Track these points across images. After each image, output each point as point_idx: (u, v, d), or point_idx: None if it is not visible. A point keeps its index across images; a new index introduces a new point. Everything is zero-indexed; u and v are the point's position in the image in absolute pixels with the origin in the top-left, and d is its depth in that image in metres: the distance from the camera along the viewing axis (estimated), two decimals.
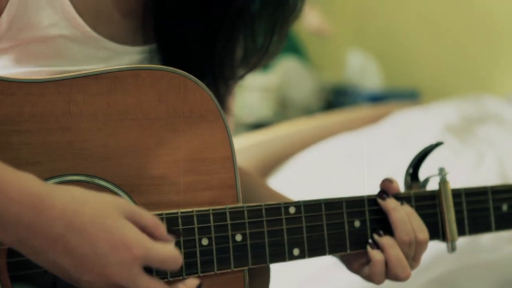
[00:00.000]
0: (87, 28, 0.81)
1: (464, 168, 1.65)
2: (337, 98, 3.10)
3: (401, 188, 0.92)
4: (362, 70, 3.08)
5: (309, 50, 3.27)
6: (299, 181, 1.82)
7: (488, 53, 3.05)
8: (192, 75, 0.78)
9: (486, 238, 1.45)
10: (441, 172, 0.93)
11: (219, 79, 0.89)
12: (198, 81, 0.78)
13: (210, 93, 0.79)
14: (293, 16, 0.90)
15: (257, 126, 2.61)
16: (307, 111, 2.92)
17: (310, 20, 3.04)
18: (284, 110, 2.87)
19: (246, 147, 2.00)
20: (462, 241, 1.47)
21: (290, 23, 0.91)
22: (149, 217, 0.71)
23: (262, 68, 0.96)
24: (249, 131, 2.56)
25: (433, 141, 1.74)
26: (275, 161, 2.04)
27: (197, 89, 0.78)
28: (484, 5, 3.03)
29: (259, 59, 0.91)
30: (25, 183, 0.65)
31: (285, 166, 2.02)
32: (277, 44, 0.91)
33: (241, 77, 0.93)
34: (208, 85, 0.84)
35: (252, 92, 2.76)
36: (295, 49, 3.06)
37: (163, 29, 0.86)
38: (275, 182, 1.87)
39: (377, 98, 2.95)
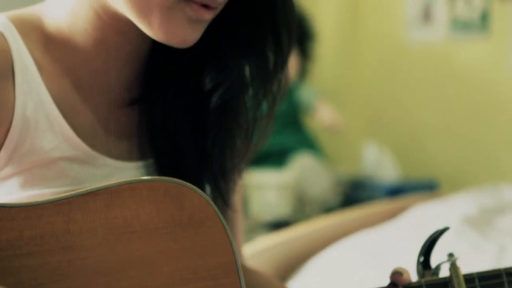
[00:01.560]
0: (86, 148, 0.83)
1: (485, 263, 1.62)
2: (354, 191, 3.10)
3: (414, 277, 0.91)
4: (378, 162, 3.09)
5: (324, 145, 3.30)
6: (321, 282, 1.79)
7: (504, 140, 3.05)
8: (188, 183, 0.79)
9: None
10: (451, 257, 0.91)
11: (217, 177, 0.89)
12: (195, 187, 0.79)
13: (208, 198, 0.79)
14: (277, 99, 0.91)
15: (276, 224, 2.61)
16: (325, 207, 2.91)
17: (322, 115, 3.09)
18: (302, 206, 2.87)
19: (266, 248, 1.99)
20: None
21: (276, 105, 0.92)
22: None
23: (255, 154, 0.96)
24: (268, 230, 2.55)
25: (451, 234, 1.72)
26: (295, 261, 2.02)
27: (194, 195, 0.79)
28: (500, 93, 3.06)
29: (248, 147, 0.92)
30: None
31: (305, 267, 1.99)
32: (266, 128, 0.92)
33: (238, 169, 0.93)
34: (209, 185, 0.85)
35: (270, 190, 2.77)
36: (310, 145, 3.09)
37: (157, 144, 0.88)
38: (296, 284, 1.84)
39: (395, 190, 2.94)
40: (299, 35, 1.08)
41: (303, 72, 3.14)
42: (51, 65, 0.82)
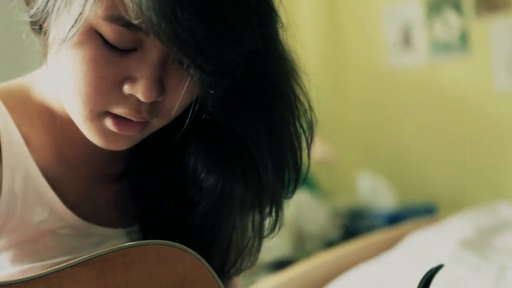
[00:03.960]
0: (75, 218, 0.82)
1: (485, 285, 1.60)
2: (353, 222, 3.08)
3: None
4: (374, 191, 3.08)
5: (319, 179, 3.29)
6: None
7: (496, 157, 3.05)
8: (179, 244, 0.79)
9: None
10: None
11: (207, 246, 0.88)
12: (186, 248, 0.78)
13: (200, 258, 0.79)
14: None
15: (278, 264, 2.59)
16: (326, 241, 2.89)
17: (314, 150, 3.07)
18: (302, 243, 2.85)
19: None
20: None
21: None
22: None
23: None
24: (270, 271, 2.53)
25: (449, 259, 1.71)
26: None
27: (186, 256, 0.78)
28: (487, 110, 3.08)
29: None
30: None
31: None
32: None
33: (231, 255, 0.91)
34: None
35: None
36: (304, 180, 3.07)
37: (142, 213, 0.88)
38: None
39: (394, 217, 2.92)
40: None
41: None
42: (38, 138, 0.82)
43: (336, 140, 3.46)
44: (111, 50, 0.70)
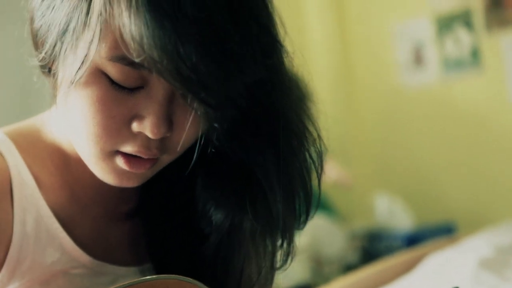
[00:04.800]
0: (87, 258, 0.82)
1: None
2: (372, 244, 3.06)
3: None
4: (391, 212, 3.06)
5: (335, 202, 3.27)
6: None
7: None
8: (188, 278, 0.77)
9: None
10: None
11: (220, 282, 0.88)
12: (195, 281, 0.77)
13: None
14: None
15: None
16: (345, 264, 2.86)
17: (329, 173, 3.06)
18: (321, 268, 2.82)
19: None
20: None
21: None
22: None
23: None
24: None
25: (469, 280, 1.68)
26: None
27: None
28: (502, 125, 3.05)
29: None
30: None
31: None
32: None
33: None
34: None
35: None
36: (320, 205, 3.05)
37: (155, 251, 0.87)
38: None
39: (412, 238, 2.89)
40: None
41: None
42: (49, 178, 0.82)
43: (351, 162, 3.44)
44: (118, 89, 0.70)
